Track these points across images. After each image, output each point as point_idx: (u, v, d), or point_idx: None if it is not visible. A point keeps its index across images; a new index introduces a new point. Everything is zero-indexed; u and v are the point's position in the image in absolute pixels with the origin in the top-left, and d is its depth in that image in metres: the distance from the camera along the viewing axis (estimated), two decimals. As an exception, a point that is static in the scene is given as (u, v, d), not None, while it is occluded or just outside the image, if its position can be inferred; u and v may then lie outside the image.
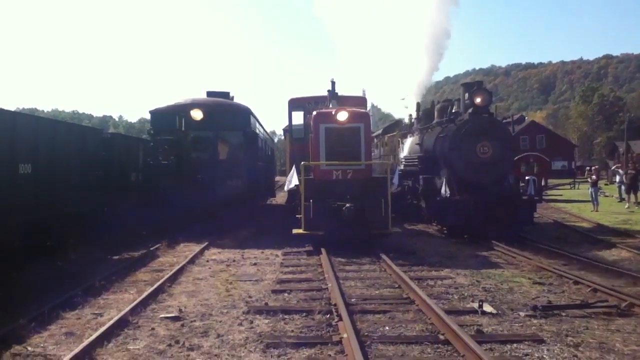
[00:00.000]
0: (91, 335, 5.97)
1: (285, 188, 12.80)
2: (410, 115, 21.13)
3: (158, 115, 15.87)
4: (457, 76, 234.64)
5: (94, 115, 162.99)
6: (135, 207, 15.35)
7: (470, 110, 14.58)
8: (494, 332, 6.35)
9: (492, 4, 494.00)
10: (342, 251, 11.48)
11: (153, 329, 6.51)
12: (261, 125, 21.51)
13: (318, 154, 12.61)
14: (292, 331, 6.43)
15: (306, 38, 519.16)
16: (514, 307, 7.41)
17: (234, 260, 11.20)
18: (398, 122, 23.83)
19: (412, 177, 16.88)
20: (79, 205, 12.26)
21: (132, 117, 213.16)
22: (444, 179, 14.11)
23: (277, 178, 39.35)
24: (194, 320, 6.87)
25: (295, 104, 17.36)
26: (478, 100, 14.41)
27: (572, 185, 40.09)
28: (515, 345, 5.84)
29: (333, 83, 14.35)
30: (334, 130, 12.56)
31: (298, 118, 17.27)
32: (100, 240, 12.75)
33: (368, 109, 17.85)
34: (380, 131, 26.29)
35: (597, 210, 21.51)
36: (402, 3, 18.58)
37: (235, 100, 18.84)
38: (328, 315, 6.97)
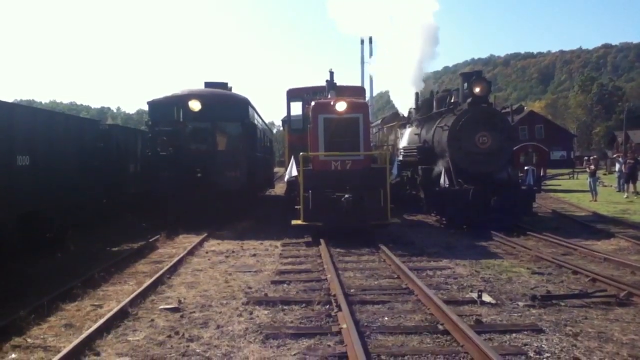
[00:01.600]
0: (91, 327, 5.98)
1: (286, 179, 12.79)
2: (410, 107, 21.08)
3: (156, 106, 15.81)
4: (456, 66, 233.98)
5: (92, 107, 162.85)
6: (134, 198, 15.36)
7: (469, 100, 14.53)
8: (493, 322, 6.36)
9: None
10: (341, 242, 11.49)
11: (152, 320, 6.52)
12: (259, 116, 21.45)
13: (317, 144, 12.56)
14: (292, 322, 6.44)
15: (305, 29, 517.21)
16: (513, 297, 7.43)
17: (233, 252, 11.20)
18: (396, 113, 23.78)
19: (411, 168, 16.85)
20: (77, 196, 12.25)
21: (130, 108, 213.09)
22: (443, 170, 14.09)
23: (276, 169, 39.33)
24: (194, 312, 6.88)
25: (293, 95, 17.29)
26: (477, 90, 14.36)
27: (571, 175, 40.10)
28: (514, 335, 5.86)
29: (331, 73, 14.30)
30: (333, 121, 12.50)
31: (296, 109, 17.22)
32: (100, 231, 12.75)
33: (367, 99, 17.80)
34: (379, 121, 26.24)
35: (596, 200, 21.52)
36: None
37: (234, 91, 18.76)
38: (327, 306, 6.98)
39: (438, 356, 5.33)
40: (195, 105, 14.95)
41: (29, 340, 5.89)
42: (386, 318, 6.54)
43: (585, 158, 35.12)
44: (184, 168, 14.39)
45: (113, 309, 6.68)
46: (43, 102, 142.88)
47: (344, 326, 5.94)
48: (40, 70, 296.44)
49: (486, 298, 7.21)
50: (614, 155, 34.74)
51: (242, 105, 16.61)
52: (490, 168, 14.14)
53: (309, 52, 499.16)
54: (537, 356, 5.30)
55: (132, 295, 7.25)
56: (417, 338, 5.84)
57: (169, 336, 5.93)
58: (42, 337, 6.01)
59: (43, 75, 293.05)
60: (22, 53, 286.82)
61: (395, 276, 8.73)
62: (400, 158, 17.97)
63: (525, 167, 22.62)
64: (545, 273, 8.93)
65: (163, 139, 15.03)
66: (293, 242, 12.15)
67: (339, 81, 14.70)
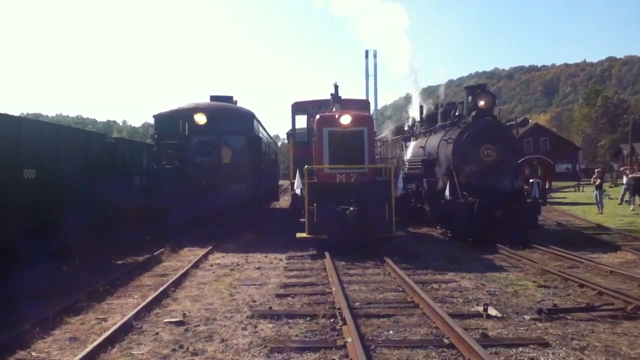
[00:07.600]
0: (95, 340, 5.97)
1: (297, 192, 12.82)
2: (414, 118, 21.15)
3: (162, 119, 15.90)
4: (460, 79, 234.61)
5: (98, 120, 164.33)
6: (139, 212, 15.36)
7: (473, 113, 14.56)
8: (499, 335, 6.31)
9: (494, 7, 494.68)
10: (345, 255, 11.46)
11: (157, 333, 6.51)
12: (264, 129, 21.54)
13: (321, 157, 12.60)
14: (296, 335, 6.41)
15: (310, 42, 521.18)
16: (519, 310, 7.38)
17: (237, 265, 11.19)
18: (400, 126, 23.85)
19: (416, 180, 16.85)
20: (82, 209, 12.29)
21: (136, 121, 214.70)
22: (448, 182, 14.08)
23: (281, 182, 39.36)
24: (198, 325, 6.86)
25: (298, 108, 17.38)
26: (481, 103, 14.40)
27: (576, 188, 39.93)
28: (520, 348, 5.81)
29: (336, 87, 14.37)
30: (338, 134, 12.56)
31: (301, 122, 17.29)
32: (105, 244, 12.75)
33: (371, 112, 17.86)
34: (383, 134, 26.30)
35: (602, 213, 21.43)
36: None
37: (239, 104, 18.88)
38: (332, 320, 6.95)
39: (444, 370, 5.29)
40: (200, 118, 15.05)
41: (33, 354, 5.88)
42: (391, 332, 6.51)
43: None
44: (190, 181, 14.43)
45: (118, 322, 6.67)
46: (49, 116, 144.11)
47: (349, 340, 5.91)
48: (47, 84, 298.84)
49: (492, 311, 7.16)
50: (622, 168, 34.52)
51: (247, 119, 16.69)
52: (495, 181, 14.11)
53: (315, 65, 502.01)
54: (544, 370, 5.25)
55: (136, 309, 7.25)
56: (422, 352, 5.79)
57: (174, 350, 5.92)
58: (46, 350, 6.00)
59: (49, 89, 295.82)
60: (29, 67, 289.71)
61: (401, 289, 8.69)
62: (405, 171, 17.98)
63: (531, 180, 22.56)
64: (551, 286, 8.88)
65: (169, 152, 15.11)
66: (298, 255, 12.13)
67: (344, 94, 14.78)
